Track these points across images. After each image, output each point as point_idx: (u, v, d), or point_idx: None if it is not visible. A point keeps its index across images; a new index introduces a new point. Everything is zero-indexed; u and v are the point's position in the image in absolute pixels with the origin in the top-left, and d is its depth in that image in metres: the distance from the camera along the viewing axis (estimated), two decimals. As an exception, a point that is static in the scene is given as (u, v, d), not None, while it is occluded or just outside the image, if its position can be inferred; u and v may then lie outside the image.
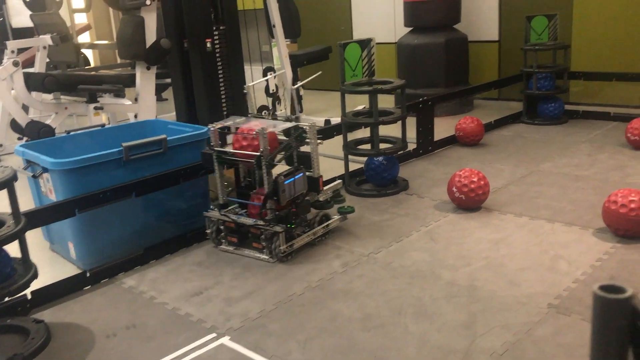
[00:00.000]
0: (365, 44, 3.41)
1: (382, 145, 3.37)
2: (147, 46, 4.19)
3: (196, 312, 2.16)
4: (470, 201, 2.93)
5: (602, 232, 2.58)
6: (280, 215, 2.52)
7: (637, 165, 3.47)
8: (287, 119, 2.70)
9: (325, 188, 2.78)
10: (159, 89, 7.03)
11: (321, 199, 2.76)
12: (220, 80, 4.62)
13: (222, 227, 2.67)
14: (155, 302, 2.27)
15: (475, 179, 2.92)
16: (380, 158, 3.34)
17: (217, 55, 4.58)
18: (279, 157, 2.60)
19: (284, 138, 2.62)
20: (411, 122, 3.86)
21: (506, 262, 2.37)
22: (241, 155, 2.56)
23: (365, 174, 3.42)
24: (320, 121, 5.24)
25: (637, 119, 3.79)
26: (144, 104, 4.28)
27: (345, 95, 3.38)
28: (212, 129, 2.65)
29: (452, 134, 4.27)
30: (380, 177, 3.36)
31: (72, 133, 3.06)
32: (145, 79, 4.28)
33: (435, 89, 5.22)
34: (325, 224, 2.71)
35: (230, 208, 2.74)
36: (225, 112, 4.69)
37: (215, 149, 2.63)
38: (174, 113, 5.05)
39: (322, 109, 5.95)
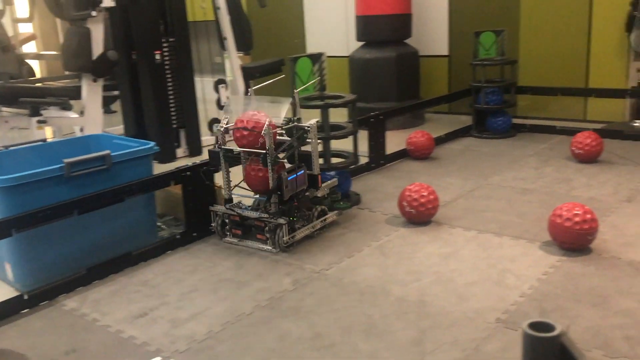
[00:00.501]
0: (316, 58, 3.40)
1: (334, 160, 3.35)
2: (94, 58, 4.07)
3: (140, 334, 2.09)
4: (420, 215, 2.95)
5: (548, 245, 2.63)
6: (283, 209, 2.72)
7: (582, 178, 3.56)
8: (289, 120, 2.87)
9: (322, 185, 2.95)
10: (108, 101, 6.86)
11: (319, 195, 2.94)
12: (170, 92, 4.55)
13: (227, 220, 2.85)
14: (97, 324, 2.18)
15: (425, 193, 2.94)
16: (332, 172, 3.33)
17: (167, 67, 4.50)
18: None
19: (287, 138, 2.79)
20: (363, 136, 3.87)
21: (455, 277, 2.38)
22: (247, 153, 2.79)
23: (317, 188, 3.40)
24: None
25: (581, 133, 3.90)
26: (90, 117, 4.16)
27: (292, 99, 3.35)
28: (218, 128, 2.87)
29: (403, 147, 4.30)
30: (332, 192, 3.34)
31: (11, 148, 2.93)
32: (91, 92, 4.16)
33: (387, 103, 5.26)
34: (322, 219, 2.90)
35: (235, 203, 2.89)
36: (174, 125, 4.61)
37: (223, 147, 2.84)
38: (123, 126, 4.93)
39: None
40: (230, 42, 5.22)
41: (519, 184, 3.52)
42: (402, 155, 4.29)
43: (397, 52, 5.34)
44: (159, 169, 4.23)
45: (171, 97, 4.56)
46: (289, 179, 2.66)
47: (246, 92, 5.37)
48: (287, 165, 2.82)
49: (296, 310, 2.18)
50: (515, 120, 4.91)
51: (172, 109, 4.58)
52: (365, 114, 4.14)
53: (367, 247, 2.73)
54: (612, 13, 4.87)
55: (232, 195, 2.92)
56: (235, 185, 2.89)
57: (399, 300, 2.22)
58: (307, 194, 2.84)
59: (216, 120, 5.17)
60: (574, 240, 2.51)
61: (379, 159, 4.10)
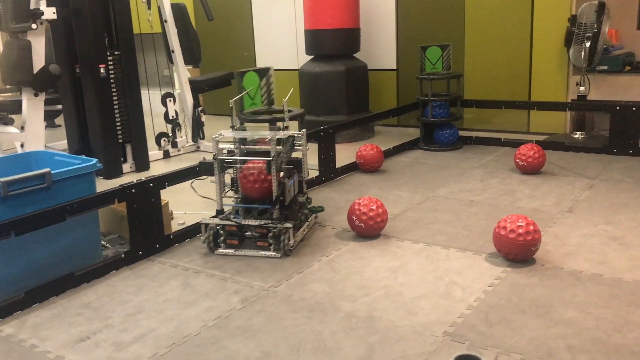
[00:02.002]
0: (263, 72, 3.39)
1: (283, 174, 3.34)
2: (35, 72, 3.95)
3: (82, 359, 2.01)
4: (369, 229, 2.96)
5: (494, 256, 2.68)
6: (285, 214, 2.84)
7: (525, 189, 3.66)
8: (279, 128, 3.06)
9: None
10: (52, 115, 6.68)
11: (301, 200, 3.10)
12: (115, 106, 4.46)
13: (221, 231, 2.86)
14: (36, 350, 2.09)
15: (373, 207, 2.95)
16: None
17: (112, 81, 4.41)
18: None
19: (279, 147, 2.85)
20: (313, 150, 3.88)
21: (404, 291, 2.40)
22: (249, 166, 2.89)
23: (267, 203, 3.39)
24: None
25: (524, 145, 4.01)
26: (31, 132, 4.03)
27: (244, 123, 3.33)
28: (217, 137, 2.88)
29: (353, 160, 4.32)
30: (282, 206, 3.33)
31: (-56, 166, 2.80)
32: (32, 106, 4.02)
33: (337, 116, 5.29)
34: (309, 221, 3.10)
35: (226, 214, 2.94)
36: (120, 140, 4.51)
37: (219, 157, 2.88)
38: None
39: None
40: (178, 55, 5.16)
41: (465, 196, 3.58)
42: (352, 168, 4.31)
43: (346, 66, 5.38)
44: (104, 184, 4.14)
45: (117, 111, 4.47)
46: (289, 183, 2.86)
47: (194, 106, 5.31)
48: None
49: (244, 330, 2.15)
50: (462, 133, 5.01)
51: (118, 124, 4.49)
52: (315, 127, 4.15)
53: (316, 262, 2.72)
54: (552, 29, 5.05)
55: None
56: (228, 190, 2.99)
57: (348, 316, 2.21)
58: (296, 198, 3.03)
59: (164, 135, 5.09)
60: (517, 251, 2.57)
61: (329, 172, 4.11)
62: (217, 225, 2.86)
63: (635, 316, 2.11)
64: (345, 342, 2.04)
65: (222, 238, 2.88)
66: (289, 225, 2.75)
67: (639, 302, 2.20)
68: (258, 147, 2.97)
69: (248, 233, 2.88)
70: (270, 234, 2.78)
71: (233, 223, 2.83)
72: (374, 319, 2.18)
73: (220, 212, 2.93)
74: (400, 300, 2.32)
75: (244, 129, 3.08)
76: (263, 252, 2.81)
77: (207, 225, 2.86)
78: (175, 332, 2.15)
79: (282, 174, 2.90)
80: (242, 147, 2.98)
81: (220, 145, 2.90)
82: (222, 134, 2.90)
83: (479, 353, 1.90)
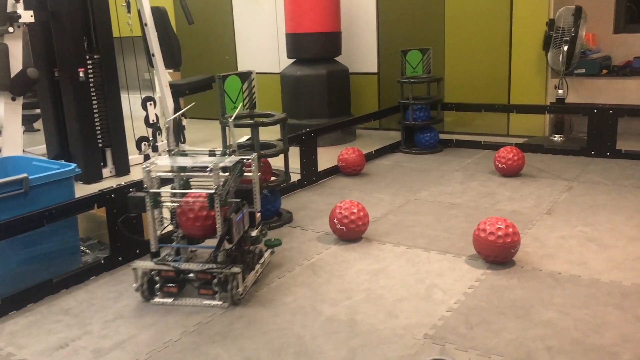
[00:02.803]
0: (245, 76, 3.39)
1: (264, 178, 3.33)
2: (12, 75, 3.90)
3: (60, 367, 1.99)
4: (351, 232, 2.97)
5: (474, 259, 2.70)
6: (234, 255, 2.36)
7: (505, 192, 3.69)
8: (224, 152, 2.49)
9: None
10: (30, 120, 6.60)
11: (254, 234, 2.58)
12: (95, 110, 4.42)
13: (157, 277, 2.41)
14: (13, 359, 2.06)
15: (355, 210, 2.96)
16: (264, 191, 3.31)
17: (91, 84, 4.37)
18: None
19: (225, 174, 2.41)
20: (295, 153, 3.88)
21: (385, 294, 2.40)
22: (191, 195, 2.37)
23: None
24: (203, 152, 5.14)
25: (504, 148, 4.05)
26: (9, 137, 3.97)
27: (226, 127, 3.32)
28: (145, 168, 2.35)
29: (335, 164, 4.33)
30: (264, 210, 3.32)
31: None
32: (10, 111, 3.97)
33: (319, 120, 5.30)
34: (261, 261, 2.63)
35: (163, 255, 2.46)
36: (100, 145, 4.47)
37: (151, 190, 2.34)
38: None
39: (206, 139, 5.84)
40: (158, 58, 5.13)
41: (445, 199, 3.61)
42: (333, 171, 4.32)
43: (328, 70, 5.39)
44: (84, 189, 4.10)
45: (96, 115, 4.43)
46: (237, 219, 2.36)
47: (175, 109, 5.29)
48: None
49: (225, 335, 2.14)
50: (443, 136, 5.05)
51: (98, 128, 4.45)
52: (296, 130, 4.15)
53: (298, 266, 2.72)
54: (530, 33, 5.11)
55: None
56: (162, 229, 2.47)
57: (330, 320, 2.21)
58: (249, 234, 2.53)
59: (144, 139, 5.05)
60: (497, 253, 2.59)
61: (311, 175, 4.11)
62: (152, 270, 2.41)
63: (612, 317, 2.14)
64: (326, 346, 2.04)
65: (157, 285, 2.42)
66: (236, 270, 2.30)
67: (615, 303, 2.24)
68: (202, 175, 2.47)
69: (191, 275, 2.40)
70: (215, 280, 2.34)
71: (170, 268, 2.37)
72: (355, 323, 2.18)
73: (155, 255, 2.44)
74: (381, 303, 2.33)
75: (184, 154, 2.54)
76: (207, 302, 2.36)
77: (138, 271, 2.41)
78: (156, 338, 2.14)
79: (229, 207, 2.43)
80: (182, 174, 2.49)
81: (158, 173, 2.42)
82: (154, 162, 2.39)
83: (451, 358, 1.92)
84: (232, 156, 2.46)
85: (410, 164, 4.53)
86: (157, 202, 2.37)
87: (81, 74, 4.28)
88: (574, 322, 2.11)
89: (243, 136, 5.09)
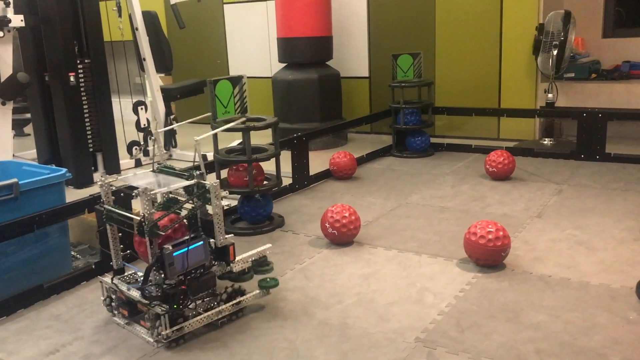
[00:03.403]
0: (236, 81, 3.39)
1: (256, 183, 3.33)
2: (2, 80, 3.88)
3: (51, 373, 1.98)
4: (342, 236, 2.97)
5: (465, 262, 2.71)
6: (167, 293, 2.05)
7: (495, 195, 3.71)
8: (190, 176, 2.22)
9: (243, 256, 2.30)
10: (21, 124, 6.57)
11: (236, 269, 2.27)
12: (86, 115, 4.41)
13: (113, 296, 2.28)
14: (3, 365, 2.05)
15: (346, 214, 2.97)
16: (256, 195, 3.31)
17: (82, 89, 4.36)
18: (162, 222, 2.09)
19: (182, 198, 2.20)
20: (287, 157, 3.88)
21: (376, 298, 2.41)
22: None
23: (239, 211, 3.37)
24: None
25: (494, 152, 4.08)
26: (-1, 142, 3.95)
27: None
28: (101, 183, 2.25)
29: (327, 168, 4.34)
30: (256, 214, 3.32)
31: None
32: (0, 115, 3.95)
33: (311, 124, 5.31)
34: (236, 301, 2.26)
35: (127, 274, 2.31)
36: (91, 149, 4.46)
37: (105, 206, 2.22)
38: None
39: (198, 144, 5.83)
40: (150, 63, 5.13)
41: (436, 202, 3.62)
42: (325, 175, 4.32)
43: (319, 74, 5.41)
44: (74, 194, 4.08)
45: (87, 119, 4.42)
46: (174, 254, 2.02)
47: (167, 114, 5.28)
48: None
49: (216, 339, 2.14)
50: (434, 140, 5.07)
51: (88, 132, 4.44)
52: (288, 134, 4.16)
53: (290, 271, 2.72)
54: (520, 37, 5.14)
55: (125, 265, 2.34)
56: (126, 253, 2.36)
57: (322, 324, 2.22)
58: (211, 270, 2.19)
59: (136, 143, 5.04)
60: (488, 257, 2.61)
61: (303, 180, 4.12)
62: (110, 288, 2.29)
63: (602, 319, 2.15)
64: (318, 350, 2.04)
65: (114, 304, 2.29)
66: (158, 310, 2.05)
67: (605, 306, 2.25)
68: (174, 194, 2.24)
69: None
70: (146, 316, 2.12)
71: (120, 290, 2.21)
72: (346, 326, 2.19)
73: (118, 272, 2.31)
74: (373, 307, 2.33)
75: (165, 170, 2.37)
76: (144, 335, 2.16)
77: (103, 285, 2.32)
78: (147, 343, 2.13)
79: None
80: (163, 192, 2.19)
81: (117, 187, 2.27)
82: (107, 177, 2.28)
83: None
84: (196, 180, 2.19)
85: (402, 168, 4.55)
86: (111, 218, 2.19)
87: (72, 79, 4.27)
88: (564, 325, 2.13)
89: (234, 140, 5.10)
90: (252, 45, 6.64)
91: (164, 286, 2.04)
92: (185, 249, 2.05)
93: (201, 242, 2.11)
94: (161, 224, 2.05)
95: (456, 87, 5.51)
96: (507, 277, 2.55)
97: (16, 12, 3.98)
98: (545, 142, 5.00)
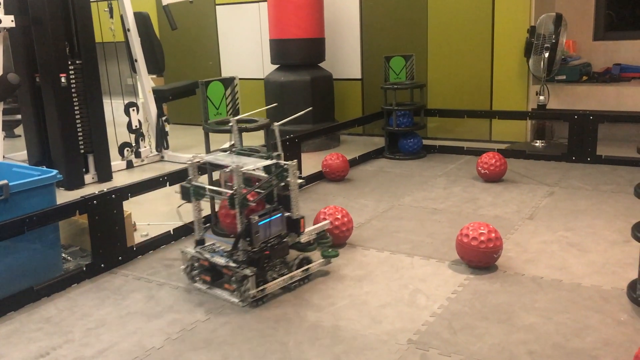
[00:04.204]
0: (228, 82, 3.38)
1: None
2: (-8, 81, 3.86)
3: (41, 376, 1.96)
4: (335, 238, 2.96)
5: (457, 264, 2.72)
6: (252, 258, 2.37)
7: (488, 197, 3.72)
8: (268, 156, 2.58)
9: (308, 230, 2.64)
10: (11, 125, 6.53)
11: (303, 240, 2.61)
12: (77, 116, 4.38)
13: (196, 264, 2.56)
14: (-8, 368, 2.03)
15: (339, 216, 2.97)
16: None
17: (73, 90, 4.34)
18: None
19: (264, 175, 2.52)
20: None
21: (369, 299, 2.41)
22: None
23: (232, 213, 3.35)
24: (187, 158, 5.11)
25: (486, 154, 4.09)
26: (-11, 143, 3.92)
27: (209, 133, 3.32)
28: (189, 162, 2.57)
29: (319, 169, 4.34)
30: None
31: None
32: (-11, 116, 3.93)
33: (303, 126, 5.30)
34: (305, 268, 2.57)
35: (207, 245, 2.62)
36: (82, 151, 4.44)
37: (193, 183, 2.55)
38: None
39: (190, 145, 5.82)
40: (141, 64, 5.11)
41: (429, 204, 3.63)
42: (318, 177, 4.32)
43: (312, 76, 5.40)
44: (65, 196, 4.06)
45: (78, 121, 4.39)
46: (259, 224, 2.34)
47: (158, 115, 5.26)
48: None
49: (209, 342, 2.13)
50: (426, 142, 5.08)
51: (80, 134, 4.41)
52: (281, 136, 4.14)
53: (282, 272, 2.71)
54: (512, 40, 5.17)
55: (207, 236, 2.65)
56: (208, 226, 2.69)
57: (314, 326, 2.21)
58: (285, 240, 2.51)
59: (127, 145, 5.02)
60: (480, 258, 2.61)
61: (295, 181, 4.10)
62: (193, 256, 2.57)
63: (593, 320, 2.16)
64: (310, 352, 2.03)
65: (196, 272, 2.58)
66: (248, 272, 2.34)
67: (596, 307, 2.26)
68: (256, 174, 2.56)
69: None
70: (233, 279, 2.41)
71: (204, 257, 2.50)
72: (339, 329, 2.19)
73: (199, 242, 2.62)
74: (365, 309, 2.33)
75: (242, 152, 2.71)
76: (227, 297, 2.44)
77: (185, 254, 2.61)
78: (138, 346, 2.12)
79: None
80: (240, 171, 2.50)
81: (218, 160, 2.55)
82: (195, 156, 2.60)
83: (442, 360, 1.93)
84: (274, 160, 2.53)
85: (394, 170, 4.55)
86: (199, 194, 2.54)
87: (63, 80, 4.25)
88: (556, 327, 2.13)
89: (226, 142, 5.08)
90: (244, 47, 6.63)
91: (250, 253, 2.36)
92: (268, 219, 2.39)
93: (280, 214, 2.45)
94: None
95: (448, 89, 5.52)
96: (499, 278, 2.55)
97: (7, 13, 3.96)
98: (537, 144, 5.02)
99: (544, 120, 5.00)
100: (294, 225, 2.52)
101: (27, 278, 2.55)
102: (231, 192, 2.33)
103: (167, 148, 5.36)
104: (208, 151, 3.33)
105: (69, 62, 4.30)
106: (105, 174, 4.58)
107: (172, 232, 3.18)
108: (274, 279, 2.45)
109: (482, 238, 2.59)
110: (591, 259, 2.71)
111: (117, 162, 4.88)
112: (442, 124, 5.50)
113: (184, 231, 3.25)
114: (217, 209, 2.86)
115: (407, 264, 2.75)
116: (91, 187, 4.39)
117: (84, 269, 2.72)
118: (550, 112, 4.97)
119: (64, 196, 4.04)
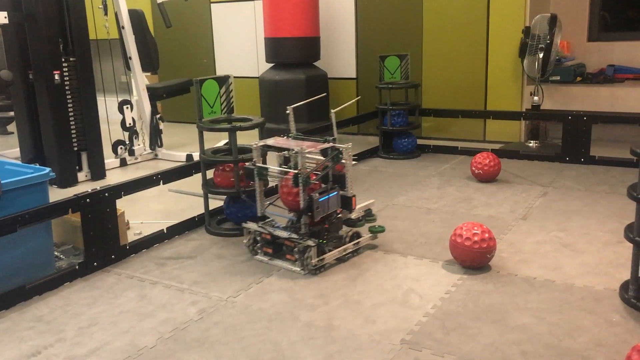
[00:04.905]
0: (223, 81, 3.37)
1: (242, 183, 3.33)
2: (-15, 77, 3.84)
3: (32, 375, 1.96)
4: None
5: (450, 264, 2.72)
6: (313, 230, 2.70)
7: (481, 197, 3.73)
8: (325, 140, 2.86)
9: (357, 207, 2.94)
10: (4, 122, 6.50)
11: (353, 216, 2.92)
12: (70, 114, 4.36)
13: (258, 238, 2.85)
14: (-17, 367, 2.02)
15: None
16: (243, 195, 3.29)
17: (67, 87, 4.32)
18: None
19: (321, 157, 2.83)
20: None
21: (362, 299, 2.41)
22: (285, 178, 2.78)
23: (226, 212, 3.35)
24: (181, 156, 5.11)
25: (480, 154, 4.09)
26: (-19, 140, 3.90)
27: (203, 132, 3.30)
28: (255, 145, 2.88)
29: (313, 169, 4.33)
30: (242, 215, 3.30)
31: None
32: (-18, 113, 3.90)
33: (298, 124, 5.27)
34: (355, 241, 2.87)
35: (267, 221, 2.91)
36: (75, 148, 4.42)
37: (257, 165, 2.86)
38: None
39: (184, 143, 5.80)
40: (136, 62, 5.09)
41: (423, 204, 3.63)
42: (311, 176, 4.31)
43: (307, 74, 5.40)
44: (58, 193, 4.04)
45: (72, 118, 4.37)
46: (320, 200, 2.64)
47: (152, 113, 5.25)
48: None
49: (201, 342, 2.12)
50: (420, 141, 5.08)
51: (73, 131, 4.39)
52: (275, 135, 4.13)
53: (276, 272, 2.71)
54: (507, 40, 5.17)
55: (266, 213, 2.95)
56: (270, 203, 2.99)
57: (307, 326, 2.21)
58: (339, 215, 2.83)
59: (121, 142, 5.00)
60: (473, 259, 2.61)
61: (289, 180, 4.10)
62: (255, 231, 2.87)
63: (586, 321, 2.17)
64: (303, 352, 2.03)
65: (259, 245, 2.88)
66: (310, 243, 2.64)
67: (588, 307, 2.27)
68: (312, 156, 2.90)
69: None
70: (296, 249, 2.70)
71: (267, 231, 2.80)
72: (332, 328, 2.18)
73: (261, 218, 2.92)
74: (358, 308, 2.33)
75: (298, 137, 3.05)
76: (289, 266, 2.73)
77: (248, 229, 2.89)
78: (131, 345, 2.11)
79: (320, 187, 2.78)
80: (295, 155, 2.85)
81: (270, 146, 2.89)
82: (258, 143, 2.90)
83: (435, 360, 1.93)
84: (330, 144, 2.82)
85: (388, 169, 4.55)
86: (262, 174, 2.86)
87: (56, 77, 4.23)
88: (549, 327, 2.14)
89: (222, 140, 5.07)
90: (239, 45, 6.61)
91: (310, 227, 2.70)
92: (327, 196, 2.69)
93: (336, 192, 2.75)
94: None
95: (443, 89, 5.53)
96: (492, 279, 2.56)
97: (0, 9, 3.93)
98: (531, 145, 5.03)
99: (538, 120, 5.01)
100: (347, 203, 2.82)
101: (19, 276, 2.53)
102: (296, 171, 2.65)
103: (161, 146, 5.34)
104: (202, 150, 3.32)
105: (63, 60, 4.28)
106: (98, 171, 4.56)
107: (165, 231, 3.17)
108: (330, 250, 2.75)
109: (476, 238, 2.59)
110: (584, 260, 2.72)
111: (110, 160, 4.86)
112: (436, 124, 5.51)
113: (177, 230, 3.24)
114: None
115: (400, 263, 2.76)
116: (84, 185, 4.37)
117: (77, 267, 2.71)
118: (544, 112, 4.98)
119: (57, 194, 4.03)
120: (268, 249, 2.84)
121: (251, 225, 2.87)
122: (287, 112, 3.06)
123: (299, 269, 2.69)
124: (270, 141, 2.94)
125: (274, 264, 2.79)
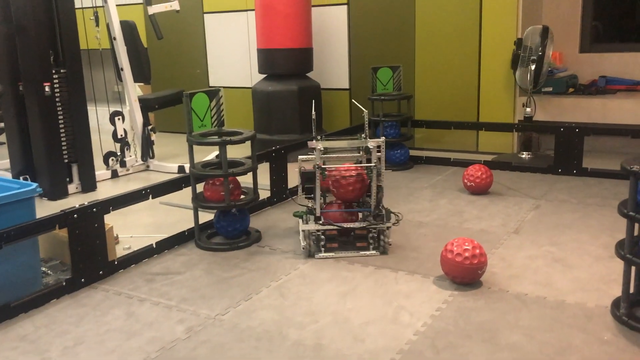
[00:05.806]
0: (213, 94, 3.36)
1: (233, 197, 3.30)
2: (-26, 89, 3.81)
3: (15, 397, 1.92)
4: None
5: (441, 279, 2.70)
6: (380, 215, 3.03)
7: (473, 210, 3.71)
8: (360, 138, 3.22)
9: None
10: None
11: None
12: (61, 125, 4.33)
13: (322, 236, 3.03)
14: (-35, 389, 1.98)
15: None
16: (233, 210, 3.27)
17: (57, 99, 4.29)
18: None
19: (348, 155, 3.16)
20: (266, 169, 3.85)
21: (352, 317, 2.38)
22: (344, 172, 3.09)
23: (216, 226, 3.32)
24: (173, 167, 5.08)
25: (472, 166, 4.08)
26: (-30, 152, 3.86)
27: (193, 146, 3.28)
28: (317, 147, 2.99)
29: (305, 181, 4.30)
30: (232, 229, 3.28)
31: None
32: (-29, 125, 3.87)
33: (290, 135, 5.28)
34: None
35: (322, 222, 3.07)
36: (66, 160, 4.38)
37: (321, 166, 3.00)
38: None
39: (176, 154, 5.77)
40: (127, 73, 5.07)
41: (414, 217, 3.61)
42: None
43: (299, 85, 5.39)
44: (48, 206, 4.00)
45: (62, 130, 4.34)
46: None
47: (144, 124, 5.22)
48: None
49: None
50: (413, 153, 5.07)
51: (64, 143, 4.36)
52: (268, 146, 4.13)
53: (265, 288, 2.69)
54: (499, 52, 5.18)
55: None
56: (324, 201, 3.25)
57: (296, 345, 2.18)
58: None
59: (112, 154, 4.97)
60: (464, 275, 2.59)
61: (281, 193, 4.08)
62: (318, 230, 3.02)
63: (577, 340, 2.15)
64: (291, 372, 2.00)
65: (322, 243, 3.02)
66: (389, 224, 3.00)
67: (580, 325, 2.25)
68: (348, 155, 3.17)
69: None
70: (370, 235, 3.01)
71: (335, 227, 3.04)
72: (321, 347, 2.16)
73: (318, 219, 3.03)
74: (348, 326, 2.31)
75: (328, 139, 3.28)
76: (363, 252, 3.01)
77: (306, 232, 3.03)
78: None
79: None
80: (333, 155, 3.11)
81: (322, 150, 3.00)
82: (316, 144, 3.05)
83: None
84: (368, 140, 3.09)
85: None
86: (324, 175, 3.03)
87: (47, 89, 4.20)
88: (539, 346, 2.12)
89: (212, 153, 5.05)
90: (232, 56, 6.60)
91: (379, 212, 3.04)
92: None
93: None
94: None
95: (435, 101, 5.53)
96: (483, 295, 2.54)
97: (-11, 21, 3.91)
98: (523, 156, 5.03)
99: (530, 132, 5.01)
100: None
101: (4, 294, 2.50)
102: (372, 165, 2.96)
103: (153, 157, 5.31)
104: (192, 164, 3.29)
105: (54, 71, 4.26)
106: (89, 183, 4.53)
107: (154, 246, 3.14)
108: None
109: (467, 254, 2.57)
110: (576, 275, 2.71)
111: (101, 172, 4.83)
112: (429, 135, 5.50)
113: (167, 244, 3.21)
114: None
115: (391, 279, 2.73)
116: (75, 197, 4.34)
117: (64, 284, 2.68)
118: (537, 124, 4.99)
119: (46, 206, 4.00)
120: (333, 244, 3.10)
121: (310, 227, 3.02)
122: (313, 117, 3.34)
123: (374, 252, 3.01)
124: (313, 144, 3.10)
125: (343, 256, 3.00)
